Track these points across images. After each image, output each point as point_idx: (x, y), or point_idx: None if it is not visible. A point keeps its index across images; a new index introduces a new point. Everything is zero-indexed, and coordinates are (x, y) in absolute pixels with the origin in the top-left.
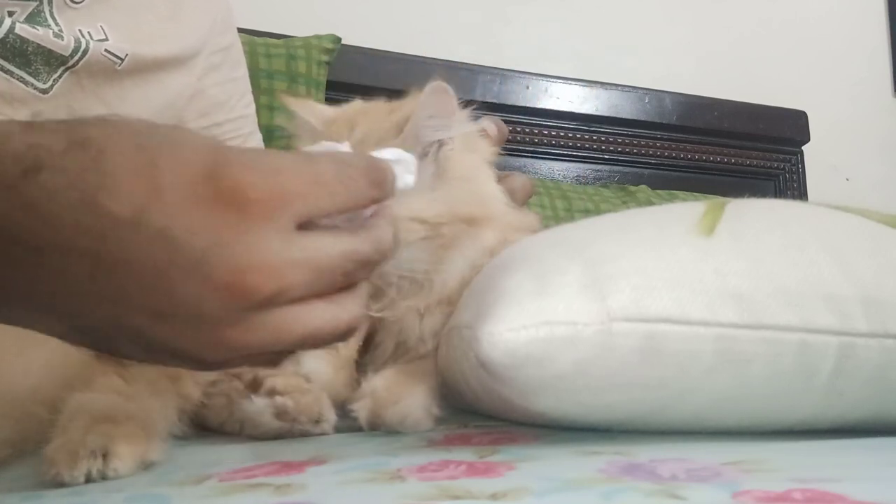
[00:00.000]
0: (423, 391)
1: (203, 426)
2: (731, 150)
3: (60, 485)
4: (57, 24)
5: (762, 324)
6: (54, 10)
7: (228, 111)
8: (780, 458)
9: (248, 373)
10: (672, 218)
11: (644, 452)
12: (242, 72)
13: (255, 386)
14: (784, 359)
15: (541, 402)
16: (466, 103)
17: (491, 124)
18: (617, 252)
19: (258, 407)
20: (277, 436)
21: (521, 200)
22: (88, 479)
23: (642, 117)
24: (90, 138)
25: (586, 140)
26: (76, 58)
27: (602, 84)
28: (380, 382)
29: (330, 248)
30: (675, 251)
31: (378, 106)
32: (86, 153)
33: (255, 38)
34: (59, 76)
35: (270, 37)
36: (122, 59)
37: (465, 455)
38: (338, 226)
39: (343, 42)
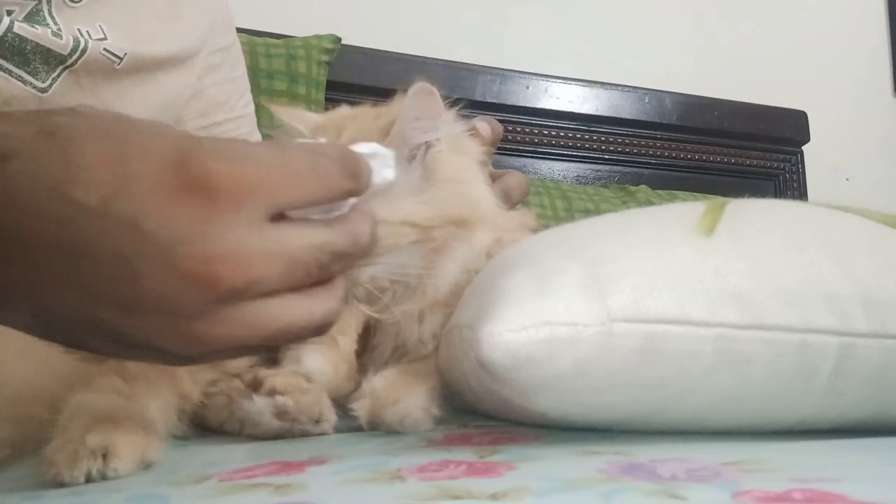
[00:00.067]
0: (423, 391)
1: (203, 426)
2: (731, 150)
3: (60, 485)
4: (56, 23)
5: (762, 324)
6: (53, 9)
7: (228, 111)
8: (780, 458)
9: (248, 372)
10: (672, 218)
11: (644, 452)
12: (242, 71)
13: (255, 385)
14: (784, 359)
15: (541, 402)
16: (453, 103)
17: (484, 124)
18: (617, 252)
19: (258, 406)
20: (277, 435)
21: (516, 199)
22: (88, 479)
23: (642, 117)
24: (59, 127)
25: (586, 140)
26: (75, 57)
27: (602, 84)
28: (379, 382)
29: (304, 239)
30: (675, 251)
31: (365, 111)
32: (53, 141)
33: (255, 38)
34: (58, 75)
35: (270, 37)
36: (121, 59)
37: (465, 455)
38: (313, 218)
39: (343, 42)
